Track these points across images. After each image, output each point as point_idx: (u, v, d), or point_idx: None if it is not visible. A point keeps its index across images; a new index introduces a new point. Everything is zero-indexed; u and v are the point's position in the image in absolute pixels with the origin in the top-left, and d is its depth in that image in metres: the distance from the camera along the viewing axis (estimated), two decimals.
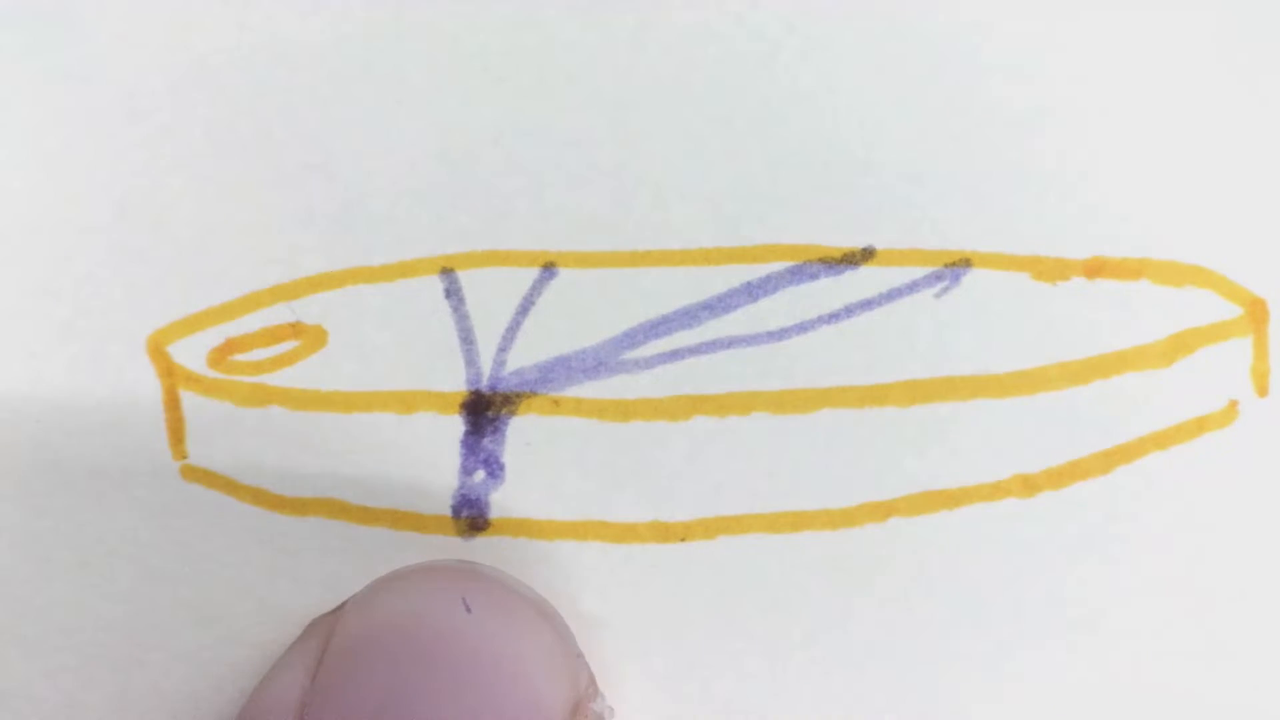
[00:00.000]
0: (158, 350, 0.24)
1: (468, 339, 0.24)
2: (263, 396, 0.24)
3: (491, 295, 0.24)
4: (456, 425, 0.24)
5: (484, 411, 0.24)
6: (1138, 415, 0.25)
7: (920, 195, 0.24)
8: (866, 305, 0.24)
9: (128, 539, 0.24)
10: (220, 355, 0.24)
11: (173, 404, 0.24)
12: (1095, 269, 0.25)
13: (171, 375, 0.24)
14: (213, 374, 0.24)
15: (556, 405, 0.24)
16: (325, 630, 0.23)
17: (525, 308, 0.24)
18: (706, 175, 0.24)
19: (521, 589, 0.23)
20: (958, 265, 0.24)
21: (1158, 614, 0.25)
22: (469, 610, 0.22)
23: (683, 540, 0.24)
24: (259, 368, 0.24)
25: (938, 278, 0.24)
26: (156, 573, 0.24)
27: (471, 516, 0.24)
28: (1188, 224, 0.25)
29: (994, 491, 0.24)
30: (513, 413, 0.24)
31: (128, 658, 0.24)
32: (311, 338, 0.24)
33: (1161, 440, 0.25)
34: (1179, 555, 0.25)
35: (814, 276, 0.24)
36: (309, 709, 0.21)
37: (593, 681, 0.23)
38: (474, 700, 0.21)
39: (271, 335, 0.24)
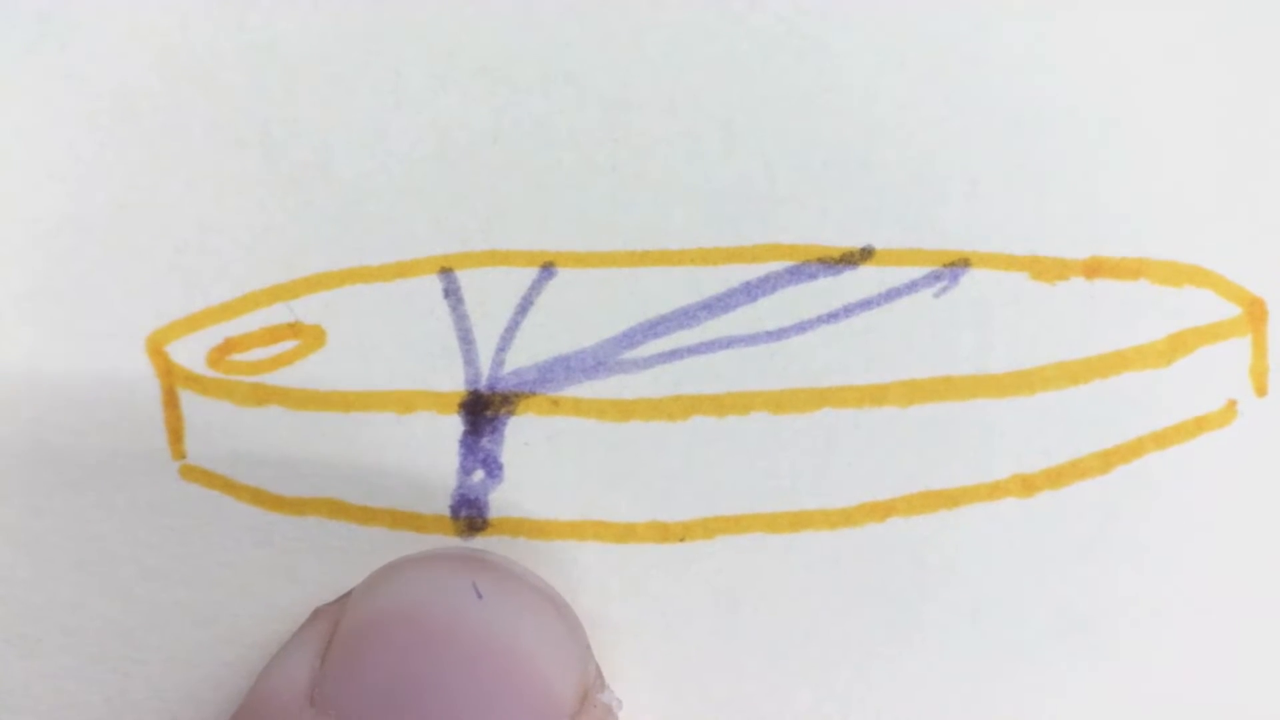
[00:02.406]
0: (157, 350, 0.24)
1: (466, 339, 0.24)
2: (262, 396, 0.24)
3: (490, 295, 0.24)
4: (455, 425, 0.24)
5: (483, 411, 0.24)
6: (1136, 415, 0.24)
7: (919, 195, 0.24)
8: (865, 305, 0.24)
9: (127, 539, 0.24)
10: (219, 355, 0.24)
11: (171, 403, 0.24)
12: (1094, 269, 0.24)
13: (170, 375, 0.24)
14: (212, 373, 0.24)
15: (555, 405, 0.24)
16: (332, 616, 0.23)
17: (524, 308, 0.24)
18: (706, 175, 0.24)
19: (531, 578, 0.23)
20: (956, 265, 0.24)
21: (1157, 614, 0.25)
22: (480, 596, 0.22)
23: (682, 540, 0.24)
24: (258, 367, 0.24)
25: (936, 277, 0.24)
26: (155, 572, 0.24)
27: (470, 516, 0.24)
28: (1186, 224, 0.25)
29: (993, 491, 0.24)
30: (511, 413, 0.24)
31: (127, 658, 0.24)
32: (310, 337, 0.24)
33: (1160, 440, 0.24)
34: (1178, 555, 0.25)
35: (813, 276, 0.24)
36: (319, 690, 0.21)
37: (600, 673, 0.23)
38: (485, 684, 0.21)
39: (270, 335, 0.24)
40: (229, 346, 0.24)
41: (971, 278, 0.24)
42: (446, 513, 0.24)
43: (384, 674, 0.21)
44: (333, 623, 0.22)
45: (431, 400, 0.24)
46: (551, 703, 0.21)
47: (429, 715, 0.21)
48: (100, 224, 0.24)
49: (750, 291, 0.24)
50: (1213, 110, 0.25)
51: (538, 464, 0.24)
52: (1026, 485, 0.24)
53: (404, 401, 0.24)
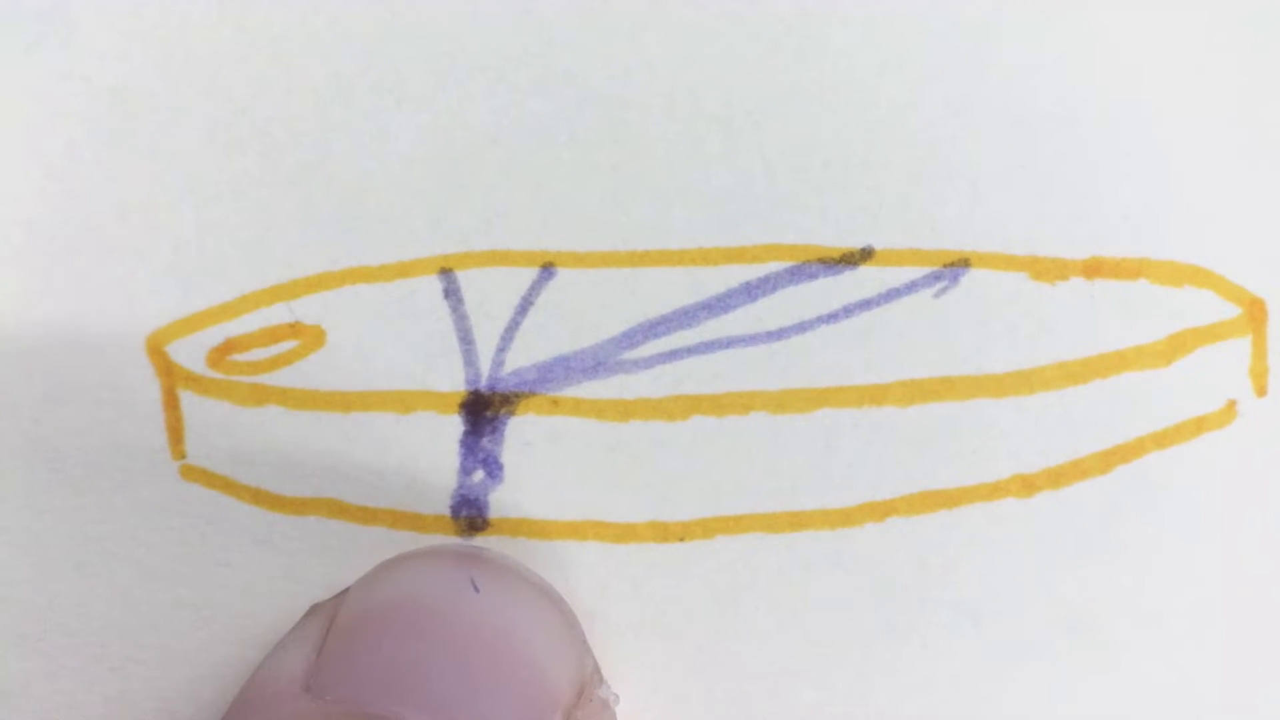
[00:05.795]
0: (156, 350, 0.24)
1: (466, 339, 0.24)
2: (261, 396, 0.24)
3: (490, 295, 0.24)
4: (455, 425, 0.24)
5: (483, 411, 0.24)
6: (1136, 415, 0.24)
7: (919, 195, 0.24)
8: (865, 305, 0.24)
9: (127, 539, 0.24)
10: (219, 355, 0.24)
11: (171, 404, 0.24)
12: (1094, 269, 0.25)
13: (170, 375, 0.24)
14: (211, 374, 0.24)
15: (555, 405, 0.24)
16: (329, 611, 0.23)
17: (524, 308, 0.24)
18: (706, 175, 0.24)
19: (528, 574, 0.23)
20: (956, 265, 0.24)
21: (1157, 614, 0.25)
22: (477, 590, 0.22)
23: (681, 540, 0.24)
24: (258, 368, 0.24)
25: (936, 278, 0.24)
26: (156, 572, 0.24)
27: (470, 516, 0.24)
28: (1186, 224, 0.25)
29: (993, 492, 0.24)
30: (511, 413, 0.24)
31: (127, 658, 0.24)
32: (310, 338, 0.24)
33: (1160, 440, 0.24)
34: (1178, 555, 0.25)
35: (813, 276, 0.24)
36: (315, 678, 0.21)
37: (597, 669, 0.23)
38: (481, 675, 0.21)
39: (270, 335, 0.24)
40: (229, 347, 0.24)
41: (971, 278, 0.24)
42: (447, 513, 0.24)
43: (379, 660, 0.21)
44: (329, 617, 0.22)
45: (431, 400, 0.24)
46: (547, 692, 0.21)
47: (423, 700, 0.21)
48: (100, 224, 0.24)
49: (750, 291, 0.24)
50: (1213, 110, 0.25)
51: (538, 464, 0.24)
52: (1026, 485, 0.24)
53: (404, 401, 0.24)
